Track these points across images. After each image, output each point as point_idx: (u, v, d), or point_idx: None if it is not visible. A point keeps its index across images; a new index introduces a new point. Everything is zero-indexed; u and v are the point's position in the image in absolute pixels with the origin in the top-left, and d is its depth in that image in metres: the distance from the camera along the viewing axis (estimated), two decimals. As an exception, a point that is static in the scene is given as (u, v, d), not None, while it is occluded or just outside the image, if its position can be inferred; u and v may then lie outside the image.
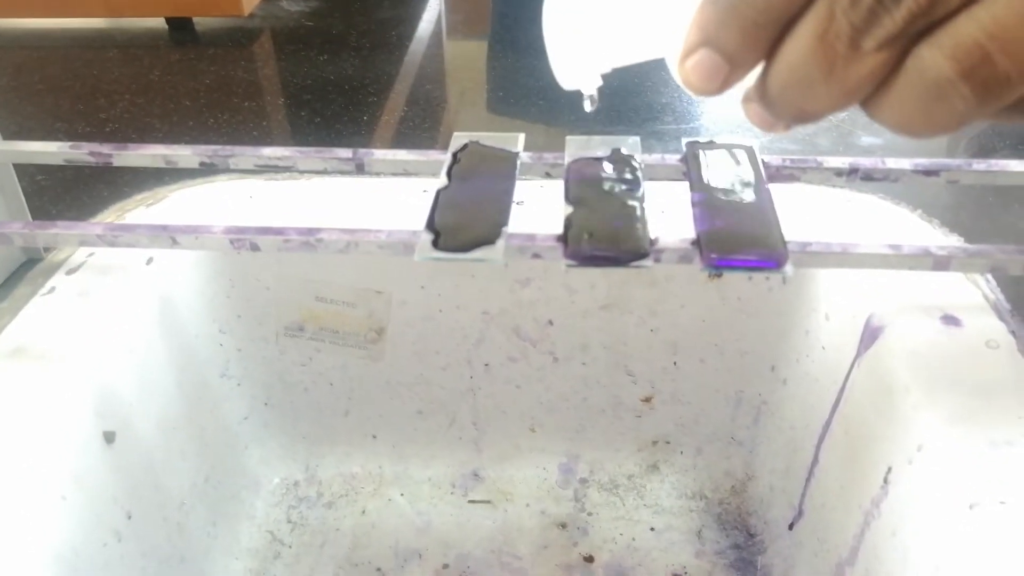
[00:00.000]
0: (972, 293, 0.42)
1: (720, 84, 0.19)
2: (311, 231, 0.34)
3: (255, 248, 0.34)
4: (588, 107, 0.25)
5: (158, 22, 0.79)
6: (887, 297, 0.42)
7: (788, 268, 0.30)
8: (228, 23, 0.80)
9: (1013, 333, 0.39)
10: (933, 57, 0.16)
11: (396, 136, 0.60)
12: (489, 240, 0.32)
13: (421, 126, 0.61)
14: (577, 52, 0.22)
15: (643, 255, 0.31)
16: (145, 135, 0.60)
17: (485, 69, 0.79)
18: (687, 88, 0.19)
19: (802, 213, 0.48)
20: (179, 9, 0.77)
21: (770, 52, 0.18)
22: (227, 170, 0.45)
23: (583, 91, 0.23)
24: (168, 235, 0.34)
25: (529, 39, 0.82)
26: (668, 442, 0.58)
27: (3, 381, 0.37)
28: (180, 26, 0.79)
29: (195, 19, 0.79)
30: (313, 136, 0.60)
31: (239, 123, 0.61)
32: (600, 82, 0.23)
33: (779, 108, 0.18)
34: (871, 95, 0.17)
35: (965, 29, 0.15)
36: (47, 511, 0.35)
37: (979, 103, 0.16)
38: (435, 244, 0.32)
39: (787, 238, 0.31)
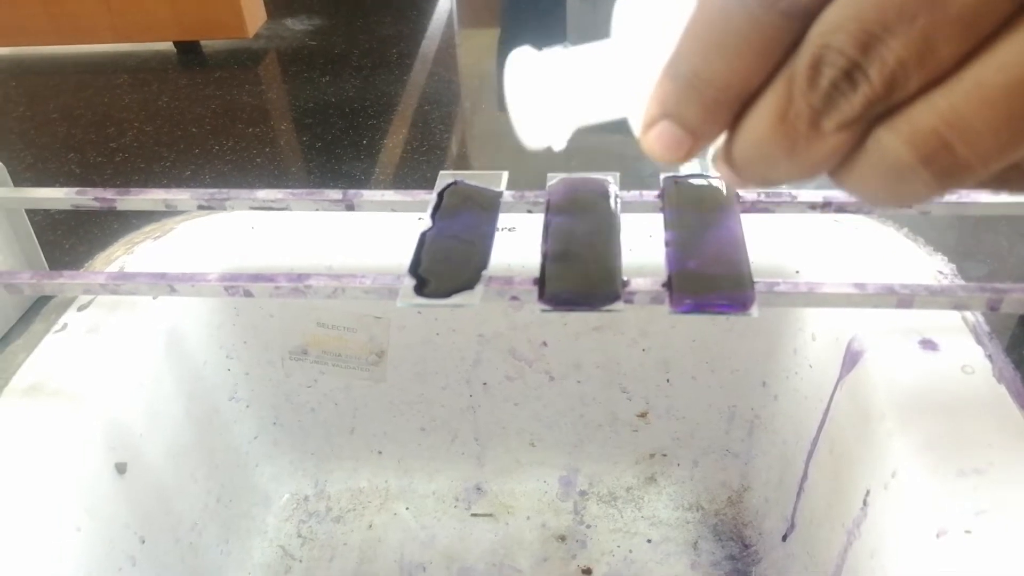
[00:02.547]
0: (952, 316, 0.43)
1: (684, 154, 0.19)
2: (300, 277, 0.35)
3: (248, 295, 0.35)
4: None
5: (167, 45, 0.82)
6: (869, 319, 0.43)
7: (754, 310, 0.32)
8: (235, 45, 0.82)
9: (990, 357, 0.40)
10: (892, 142, 0.16)
11: (405, 153, 0.62)
12: (468, 284, 0.34)
13: (430, 140, 0.63)
14: (539, 113, 0.22)
15: (615, 298, 0.33)
16: (153, 163, 0.62)
17: (495, 65, 0.80)
18: (651, 156, 0.19)
19: (787, 234, 0.49)
20: (185, 33, 0.79)
21: (733, 123, 0.18)
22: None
23: (553, 148, 0.23)
24: (167, 283, 0.36)
25: (539, 32, 0.83)
26: (665, 455, 0.59)
27: (18, 419, 0.39)
28: (188, 49, 0.81)
29: (203, 42, 0.81)
30: (315, 162, 0.62)
31: (243, 149, 0.63)
32: (566, 140, 0.23)
33: (744, 176, 0.19)
34: (837, 168, 0.18)
35: (923, 116, 0.15)
36: (62, 543, 0.37)
37: (941, 187, 0.16)
38: (417, 289, 0.34)
39: (769, 263, 0.32)
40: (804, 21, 0.16)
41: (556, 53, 0.21)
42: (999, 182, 0.17)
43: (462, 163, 0.63)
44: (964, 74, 0.15)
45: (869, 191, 0.17)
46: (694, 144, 0.18)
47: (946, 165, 0.15)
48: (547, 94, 0.21)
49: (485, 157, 0.65)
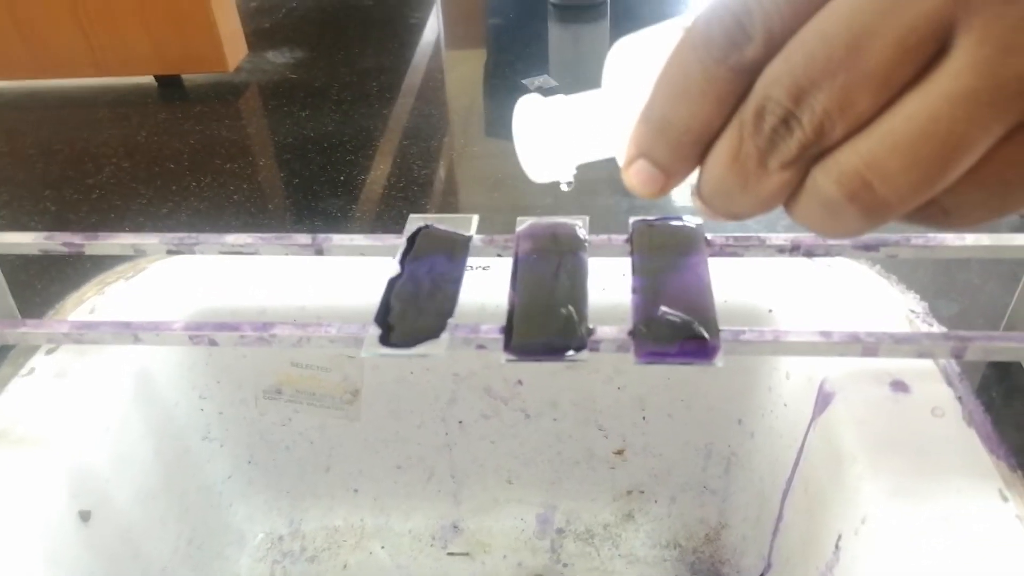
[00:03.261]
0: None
1: (659, 190, 0.21)
2: (265, 326, 0.35)
3: (213, 343, 0.35)
4: (564, 188, 0.28)
5: (147, 78, 0.82)
6: (841, 360, 0.43)
7: (718, 361, 0.31)
8: (216, 78, 0.82)
9: (960, 399, 0.40)
10: (824, 180, 0.18)
11: (384, 189, 0.62)
12: (435, 332, 0.34)
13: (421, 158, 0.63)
14: (545, 152, 0.25)
15: (580, 347, 0.32)
16: (130, 201, 0.62)
17: (481, 91, 0.81)
18: (632, 192, 0.22)
19: (760, 273, 0.49)
20: (166, 67, 0.79)
21: (701, 161, 0.20)
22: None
23: (560, 183, 0.26)
24: (131, 332, 0.35)
25: (524, 58, 0.83)
26: (642, 491, 0.59)
27: (-19, 468, 0.39)
28: (168, 83, 0.81)
29: (183, 76, 0.81)
30: (292, 199, 0.62)
31: (220, 186, 0.63)
32: (574, 173, 0.26)
33: (712, 209, 0.21)
34: (788, 202, 0.20)
35: (847, 159, 0.18)
36: (22, 595, 0.37)
37: (868, 221, 0.18)
38: (382, 338, 0.34)
39: (742, 301, 0.32)
40: (751, 75, 0.18)
41: (558, 100, 0.25)
42: (920, 216, 0.19)
43: (449, 186, 0.63)
44: (881, 122, 0.17)
45: (813, 223, 0.19)
46: (666, 180, 0.21)
47: (868, 202, 0.18)
48: (551, 136, 0.25)
49: (472, 182, 0.65)
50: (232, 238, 0.41)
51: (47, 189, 0.64)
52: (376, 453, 0.58)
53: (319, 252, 0.41)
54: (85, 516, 0.41)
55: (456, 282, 0.36)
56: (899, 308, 0.47)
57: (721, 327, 0.32)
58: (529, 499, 0.59)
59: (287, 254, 0.41)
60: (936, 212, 0.19)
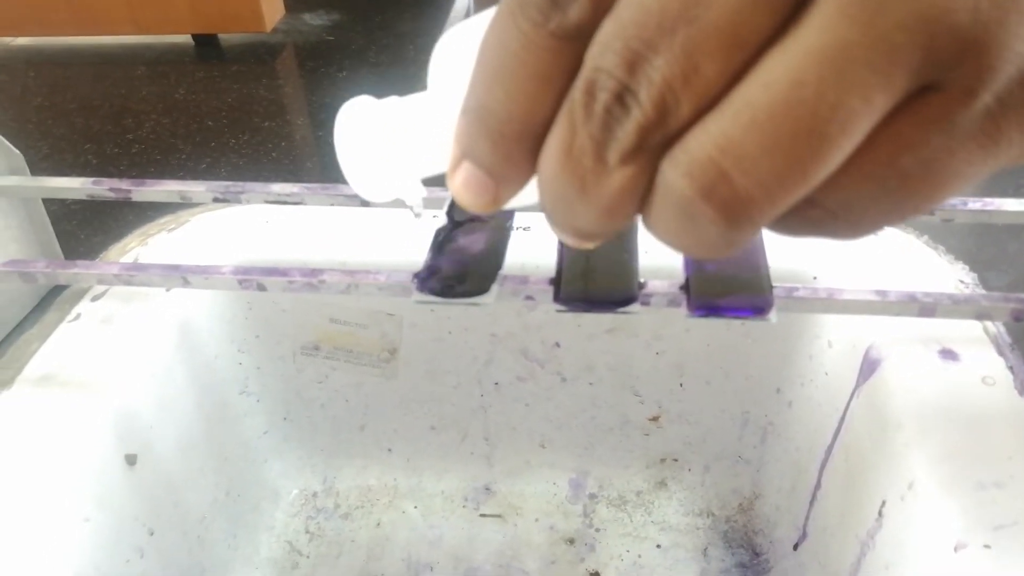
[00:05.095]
0: (973, 325, 0.42)
1: (490, 200, 0.16)
2: (314, 272, 0.35)
3: (262, 288, 0.35)
4: (415, 215, 0.24)
5: (184, 38, 0.82)
6: (887, 328, 0.43)
7: (772, 316, 0.31)
8: (252, 38, 0.82)
9: (1011, 369, 0.39)
10: (671, 173, 0.14)
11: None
12: (484, 283, 0.34)
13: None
14: (373, 166, 0.20)
15: (631, 300, 0.32)
16: (169, 156, 0.62)
17: None
18: (461, 204, 0.17)
19: (803, 241, 0.48)
20: (203, 26, 0.79)
21: (534, 159, 0.16)
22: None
23: (405, 201, 0.22)
24: (180, 275, 0.35)
25: None
26: (676, 460, 0.58)
27: (30, 409, 0.39)
28: (206, 42, 0.81)
29: (220, 35, 0.81)
30: (330, 157, 0.61)
31: (259, 143, 0.63)
32: (423, 193, 0.21)
33: (556, 228, 0.16)
34: (642, 210, 0.15)
35: (697, 142, 0.13)
36: (70, 533, 0.37)
37: (730, 225, 0.14)
38: (431, 288, 0.34)
39: (785, 268, 0.32)
40: (581, 42, 0.14)
41: (390, 103, 0.20)
42: (800, 221, 0.15)
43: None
44: (734, 94, 0.13)
45: (670, 235, 0.15)
46: (497, 188, 0.16)
47: (727, 198, 0.13)
48: (380, 147, 0.20)
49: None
50: (278, 187, 0.41)
51: (87, 143, 0.65)
52: (411, 413, 0.58)
53: (364, 203, 0.40)
54: (131, 460, 0.42)
55: (505, 234, 0.36)
56: (948, 278, 0.46)
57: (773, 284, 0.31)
58: (562, 463, 0.59)
59: (332, 204, 0.41)
60: (819, 215, 0.14)
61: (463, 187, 0.16)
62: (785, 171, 0.13)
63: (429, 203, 0.41)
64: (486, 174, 0.16)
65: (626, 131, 0.14)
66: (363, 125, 0.20)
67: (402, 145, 0.20)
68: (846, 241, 0.15)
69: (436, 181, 0.20)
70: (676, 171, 0.14)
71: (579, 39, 0.14)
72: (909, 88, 0.13)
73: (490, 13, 0.16)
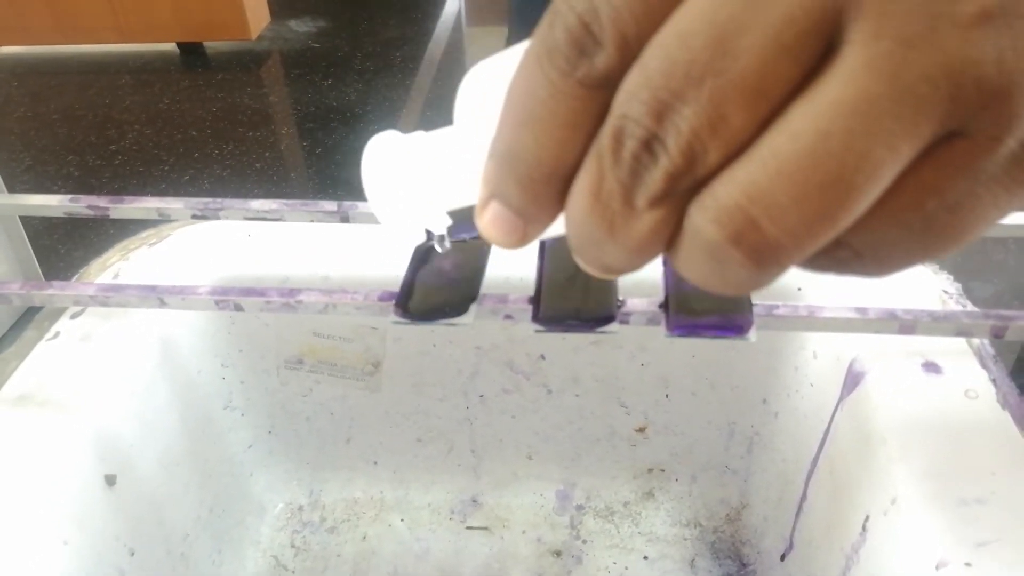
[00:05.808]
0: (957, 338, 0.42)
1: (519, 238, 0.17)
2: (292, 292, 0.35)
3: (239, 308, 0.35)
4: (439, 248, 0.25)
5: (170, 46, 0.81)
6: (871, 340, 0.43)
7: (752, 335, 0.31)
8: (238, 46, 0.81)
9: (994, 382, 0.39)
10: (700, 219, 0.14)
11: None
12: (463, 302, 0.33)
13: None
14: (401, 200, 0.21)
15: (609, 319, 0.32)
16: (152, 167, 0.62)
17: None
18: (490, 242, 0.17)
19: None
20: (188, 34, 0.79)
21: (563, 200, 0.16)
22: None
23: (432, 232, 0.22)
24: (156, 296, 0.35)
25: None
26: (663, 470, 0.58)
27: (8, 429, 0.39)
28: (191, 50, 0.80)
29: (206, 43, 0.81)
30: (315, 168, 0.61)
31: (243, 154, 0.63)
32: (447, 222, 0.21)
33: (584, 263, 0.17)
34: (669, 250, 0.16)
35: (725, 190, 0.14)
36: (48, 557, 0.37)
37: (759, 269, 0.14)
38: (408, 309, 0.33)
39: (757, 297, 0.32)
40: (608, 90, 0.15)
41: (416, 138, 0.20)
42: (827, 261, 0.15)
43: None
44: (761, 143, 0.14)
45: (699, 276, 0.15)
46: (525, 227, 0.17)
47: (756, 244, 0.14)
48: (408, 181, 0.20)
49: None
50: (257, 204, 0.40)
51: (70, 154, 0.64)
52: (396, 426, 0.58)
53: (345, 219, 0.40)
54: (111, 480, 0.41)
55: (484, 252, 0.36)
56: (932, 289, 0.46)
57: (753, 301, 0.31)
58: (549, 475, 0.59)
59: (312, 221, 0.40)
60: (846, 255, 0.15)
61: (491, 226, 0.17)
62: (813, 219, 0.13)
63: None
64: (515, 214, 0.17)
65: (654, 177, 0.14)
66: (390, 160, 0.20)
67: (429, 180, 0.20)
68: (869, 276, 0.16)
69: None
70: (704, 216, 0.14)
71: (606, 87, 0.15)
72: (935, 136, 0.13)
73: (518, 49, 0.17)
